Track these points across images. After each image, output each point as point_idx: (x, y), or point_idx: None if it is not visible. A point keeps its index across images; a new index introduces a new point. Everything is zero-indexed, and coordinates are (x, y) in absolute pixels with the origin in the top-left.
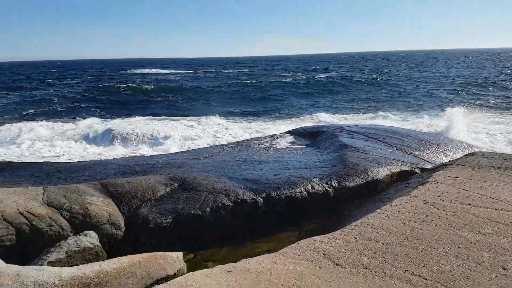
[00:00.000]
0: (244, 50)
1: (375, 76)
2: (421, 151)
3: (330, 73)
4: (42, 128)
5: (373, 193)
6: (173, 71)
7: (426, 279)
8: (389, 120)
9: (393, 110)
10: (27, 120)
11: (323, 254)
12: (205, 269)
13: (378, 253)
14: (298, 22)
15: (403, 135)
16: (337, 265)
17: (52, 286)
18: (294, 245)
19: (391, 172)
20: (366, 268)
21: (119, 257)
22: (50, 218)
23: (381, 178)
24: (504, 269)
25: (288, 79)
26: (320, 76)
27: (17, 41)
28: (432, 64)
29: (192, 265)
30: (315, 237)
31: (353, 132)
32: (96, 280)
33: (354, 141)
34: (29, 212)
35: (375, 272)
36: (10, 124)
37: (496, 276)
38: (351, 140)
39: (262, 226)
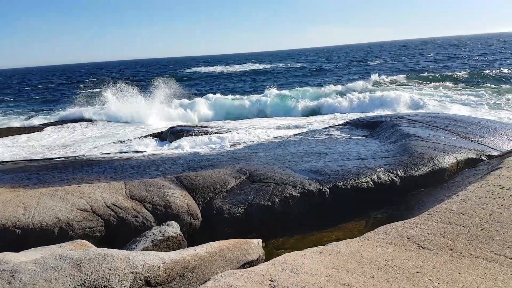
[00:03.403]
0: (287, 43)
1: None
2: (485, 138)
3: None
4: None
5: (440, 182)
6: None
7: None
8: None
9: None
10: None
11: (407, 238)
12: (299, 251)
13: (460, 236)
14: (335, 11)
15: (466, 122)
16: (423, 248)
17: (157, 268)
18: (376, 230)
19: (457, 160)
20: (452, 249)
21: (210, 243)
22: (135, 210)
23: (448, 166)
24: None
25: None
26: None
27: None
28: None
29: (266, 253)
30: (396, 223)
31: (414, 121)
32: (193, 263)
33: (417, 130)
34: (115, 205)
35: (460, 253)
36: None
37: None
38: (413, 129)
39: (329, 216)
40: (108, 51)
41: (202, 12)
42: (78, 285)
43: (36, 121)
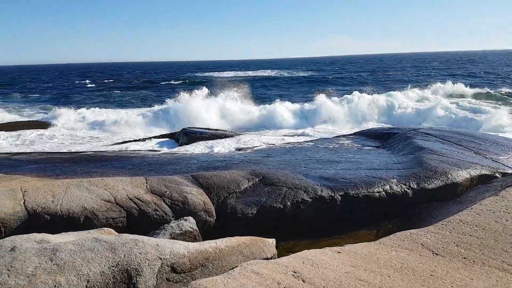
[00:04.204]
0: (299, 51)
1: None
2: (500, 156)
3: None
4: None
5: (453, 196)
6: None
7: None
8: None
9: None
10: None
11: (421, 244)
12: (317, 249)
13: (474, 246)
14: (351, 21)
15: (480, 138)
16: (436, 254)
17: (183, 256)
18: (391, 236)
19: (470, 176)
20: (465, 258)
21: (228, 237)
22: (155, 204)
23: (461, 181)
24: None
25: None
26: None
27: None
28: None
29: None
30: (410, 230)
31: (428, 134)
32: (213, 254)
33: (430, 143)
34: (137, 198)
35: (473, 261)
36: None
37: None
38: (426, 143)
39: (340, 223)
40: (114, 53)
41: (218, 18)
42: (112, 266)
43: (49, 116)
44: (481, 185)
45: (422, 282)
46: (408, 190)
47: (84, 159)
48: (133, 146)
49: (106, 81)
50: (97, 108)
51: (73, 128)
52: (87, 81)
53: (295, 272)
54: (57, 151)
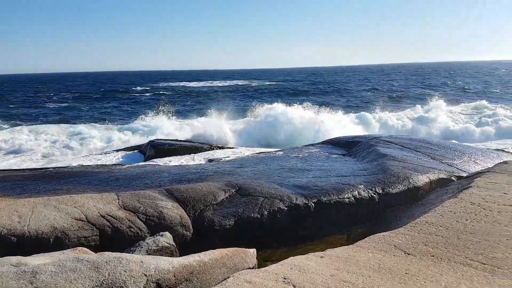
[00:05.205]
0: (267, 63)
1: None
2: (454, 160)
3: None
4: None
5: (415, 199)
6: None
7: (484, 263)
8: None
9: None
10: None
11: (394, 246)
12: (302, 255)
13: (440, 245)
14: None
15: (436, 145)
16: (408, 254)
17: (168, 272)
18: (366, 239)
19: (430, 180)
20: (433, 256)
21: (211, 250)
22: (129, 220)
23: (422, 185)
24: None
25: None
26: None
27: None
28: None
29: None
30: (383, 233)
31: (389, 142)
32: (198, 268)
33: (391, 150)
34: (110, 215)
35: (441, 259)
36: None
37: None
38: (388, 150)
39: (313, 229)
40: (69, 62)
41: (187, 28)
42: (97, 286)
43: None
44: (440, 188)
45: (399, 280)
46: (374, 195)
47: (47, 175)
48: (96, 160)
49: (62, 93)
50: (53, 125)
51: (21, 145)
52: (41, 93)
53: (285, 279)
54: (15, 168)
